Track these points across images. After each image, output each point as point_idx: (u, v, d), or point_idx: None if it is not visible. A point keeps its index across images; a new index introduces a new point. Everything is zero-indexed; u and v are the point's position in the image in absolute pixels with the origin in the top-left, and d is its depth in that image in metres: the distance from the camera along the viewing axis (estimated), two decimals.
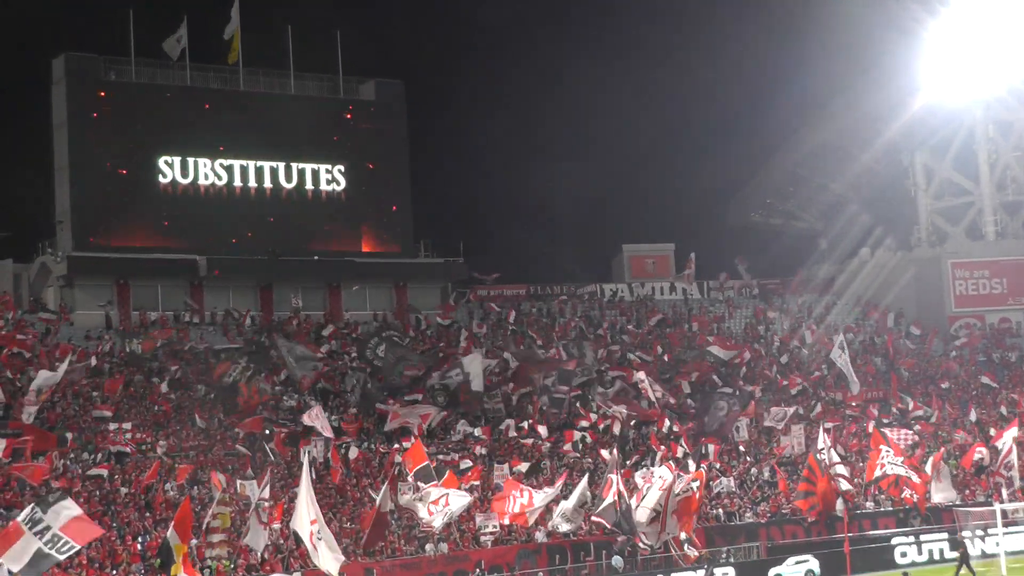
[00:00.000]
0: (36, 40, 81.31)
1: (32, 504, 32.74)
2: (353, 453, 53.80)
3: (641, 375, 63.44)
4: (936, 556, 53.25)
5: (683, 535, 47.47)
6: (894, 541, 53.36)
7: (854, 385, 67.61)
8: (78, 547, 32.35)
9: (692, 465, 54.97)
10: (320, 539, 39.85)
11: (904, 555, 53.03)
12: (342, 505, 49.32)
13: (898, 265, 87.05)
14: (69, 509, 31.71)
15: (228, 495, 45.11)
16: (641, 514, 45.56)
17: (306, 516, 40.38)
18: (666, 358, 70.35)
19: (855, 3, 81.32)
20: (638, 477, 50.66)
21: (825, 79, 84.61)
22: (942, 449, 59.41)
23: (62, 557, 31.96)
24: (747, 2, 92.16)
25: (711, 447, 59.21)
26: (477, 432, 58.22)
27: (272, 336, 62.11)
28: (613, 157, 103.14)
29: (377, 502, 43.75)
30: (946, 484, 55.03)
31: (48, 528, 31.10)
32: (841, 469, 53.04)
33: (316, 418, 53.42)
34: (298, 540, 42.30)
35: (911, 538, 53.88)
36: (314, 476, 49.64)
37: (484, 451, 56.22)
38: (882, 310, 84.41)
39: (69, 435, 50.13)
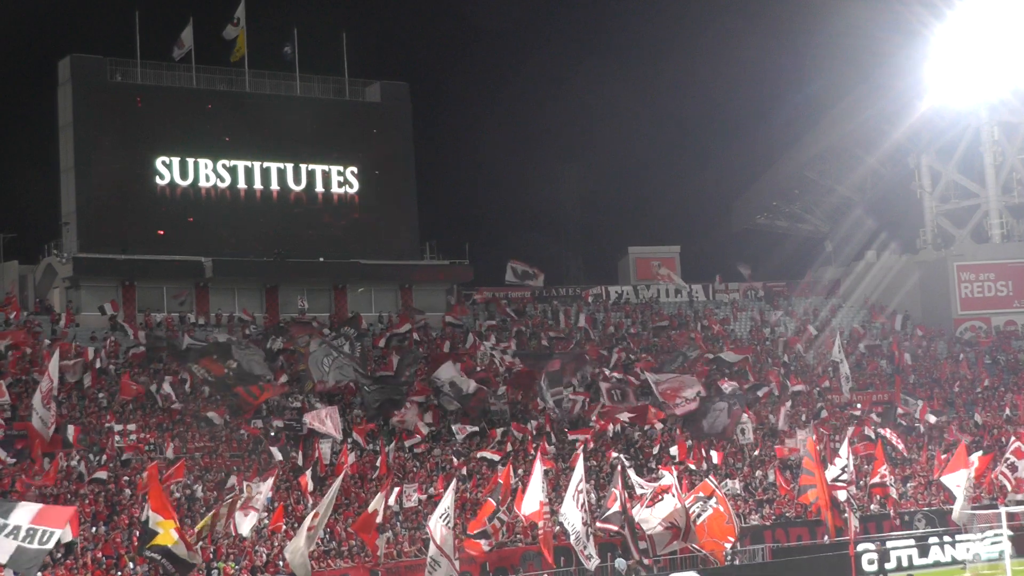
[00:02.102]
0: (41, 41, 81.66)
1: None
2: (354, 457, 53.73)
3: (650, 376, 63.48)
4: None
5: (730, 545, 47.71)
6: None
7: (846, 385, 68.04)
8: (60, 532, 31.73)
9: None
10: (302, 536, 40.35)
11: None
12: (346, 507, 49.31)
13: (904, 268, 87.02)
14: (27, 507, 31.29)
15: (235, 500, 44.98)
16: (651, 521, 45.60)
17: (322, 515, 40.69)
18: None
19: (861, 6, 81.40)
20: (642, 481, 50.59)
21: (831, 82, 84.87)
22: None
23: (49, 546, 31.54)
24: (753, 5, 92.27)
25: (714, 454, 59.27)
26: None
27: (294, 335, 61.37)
28: (618, 159, 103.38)
29: (375, 508, 43.62)
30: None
31: (17, 527, 30.67)
32: (839, 473, 52.83)
33: (323, 419, 53.51)
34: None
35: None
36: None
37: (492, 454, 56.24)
38: (888, 313, 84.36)
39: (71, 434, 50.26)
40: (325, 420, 53.59)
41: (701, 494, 47.09)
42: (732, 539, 47.09)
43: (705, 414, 61.45)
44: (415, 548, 47.38)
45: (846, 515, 50.97)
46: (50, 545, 30.65)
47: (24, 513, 30.28)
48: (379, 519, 43.74)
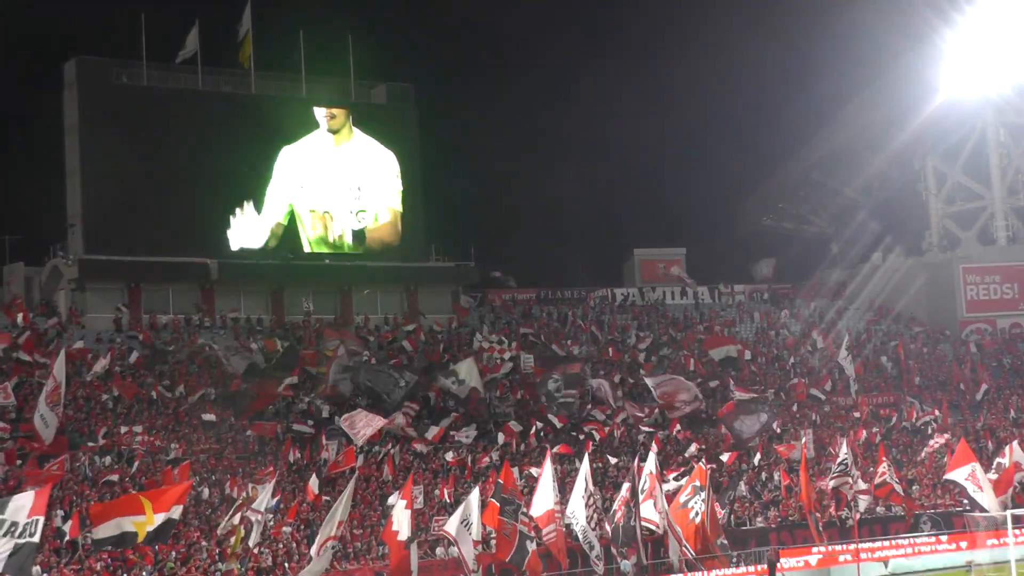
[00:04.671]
0: (47, 43, 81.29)
1: None
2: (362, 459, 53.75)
3: (649, 380, 63.69)
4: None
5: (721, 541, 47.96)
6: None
7: (853, 388, 68.04)
8: (42, 518, 31.83)
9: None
10: (324, 553, 40.06)
11: None
12: (351, 509, 49.20)
13: (909, 270, 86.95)
14: (23, 498, 31.22)
15: (243, 507, 44.85)
16: (655, 517, 45.81)
17: (332, 524, 40.37)
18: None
19: (867, 8, 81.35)
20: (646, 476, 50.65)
21: (837, 84, 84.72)
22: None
23: (37, 537, 31.58)
24: (760, 7, 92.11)
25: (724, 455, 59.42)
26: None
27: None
28: (624, 161, 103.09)
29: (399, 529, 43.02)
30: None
31: (15, 523, 30.62)
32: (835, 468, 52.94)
33: (358, 424, 53.47)
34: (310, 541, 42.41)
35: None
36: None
37: (497, 455, 56.22)
38: (894, 315, 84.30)
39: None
40: (360, 427, 53.46)
41: (697, 483, 47.16)
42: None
43: (739, 423, 61.59)
44: (420, 552, 47.31)
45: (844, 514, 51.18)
46: (38, 537, 30.72)
47: (16, 507, 30.17)
48: (405, 533, 42.66)
